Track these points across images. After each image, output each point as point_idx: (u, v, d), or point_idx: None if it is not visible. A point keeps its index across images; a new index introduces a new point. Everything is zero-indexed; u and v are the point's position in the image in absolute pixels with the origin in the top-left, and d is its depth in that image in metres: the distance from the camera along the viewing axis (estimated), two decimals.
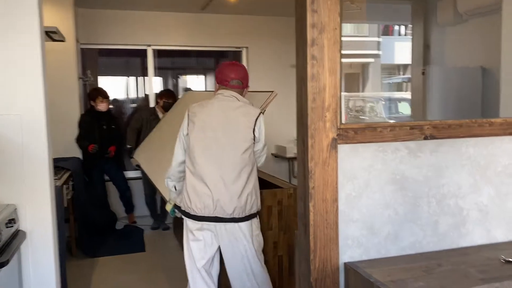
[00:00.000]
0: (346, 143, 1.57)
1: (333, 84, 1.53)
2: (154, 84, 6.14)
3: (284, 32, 6.08)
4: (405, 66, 21.86)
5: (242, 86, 2.54)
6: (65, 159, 4.78)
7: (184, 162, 2.48)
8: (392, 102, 14.63)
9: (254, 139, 2.44)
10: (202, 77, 7.98)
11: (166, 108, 5.24)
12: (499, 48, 3.72)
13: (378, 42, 18.93)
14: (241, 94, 2.53)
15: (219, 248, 2.52)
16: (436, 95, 4.01)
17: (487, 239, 1.78)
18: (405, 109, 14.96)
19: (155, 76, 6.17)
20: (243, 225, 2.44)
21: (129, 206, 5.48)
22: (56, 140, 2.53)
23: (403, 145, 1.65)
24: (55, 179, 3.31)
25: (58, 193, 3.08)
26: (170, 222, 5.42)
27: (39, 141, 2.10)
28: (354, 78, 18.12)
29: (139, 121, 5.27)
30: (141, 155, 4.79)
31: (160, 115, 5.31)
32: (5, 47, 2.09)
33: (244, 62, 6.38)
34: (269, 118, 6.33)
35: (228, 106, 2.45)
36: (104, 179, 5.22)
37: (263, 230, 3.10)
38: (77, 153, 5.24)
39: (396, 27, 22.62)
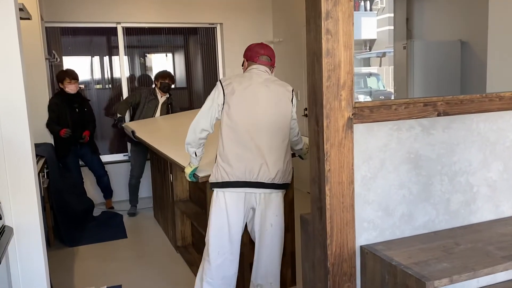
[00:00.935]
0: (362, 122, 1.50)
1: (348, 60, 1.45)
2: (125, 65, 5.88)
3: (261, 5, 5.92)
4: (371, 41, 22.05)
5: (270, 63, 2.63)
6: (37, 145, 4.52)
7: (206, 130, 2.51)
8: (360, 77, 14.76)
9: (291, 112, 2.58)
10: (170, 56, 7.72)
11: (164, 89, 5.07)
12: (479, 22, 3.73)
13: None
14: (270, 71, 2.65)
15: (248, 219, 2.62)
16: (418, 70, 4.01)
17: (495, 215, 1.77)
18: (373, 84, 15.15)
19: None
20: (279, 195, 2.58)
21: (107, 192, 5.30)
22: None
23: (417, 123, 1.59)
24: None
25: None
26: (146, 208, 5.29)
27: (20, 128, 1.93)
28: None
29: (136, 96, 5.11)
30: (135, 126, 4.64)
31: (159, 96, 5.13)
32: None
33: (218, 40, 6.20)
34: None
35: (266, 77, 2.55)
36: (79, 164, 5.00)
37: None
38: (49, 138, 4.99)
39: (362, 3, 22.68)
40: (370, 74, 15.44)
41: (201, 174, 2.75)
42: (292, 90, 2.63)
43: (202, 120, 2.50)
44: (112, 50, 6.01)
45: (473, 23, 4.02)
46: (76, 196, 4.65)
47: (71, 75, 4.81)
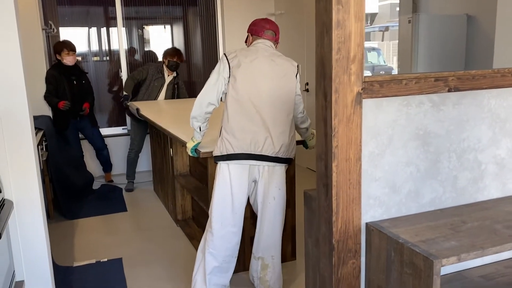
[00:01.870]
0: (371, 97, 1.46)
1: (358, 31, 1.39)
2: (123, 36, 5.76)
3: None
4: (373, 15, 21.70)
5: (275, 38, 2.61)
6: (35, 117, 4.48)
7: (213, 104, 2.50)
8: None
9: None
10: (168, 27, 7.57)
11: (171, 68, 4.96)
12: None
13: None
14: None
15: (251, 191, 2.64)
16: (423, 44, 3.93)
17: (502, 193, 1.75)
18: (374, 59, 14.98)
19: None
20: (282, 169, 2.58)
21: (107, 165, 5.28)
22: None
23: (427, 98, 1.55)
24: None
25: None
26: (146, 181, 5.28)
27: (18, 99, 1.88)
28: None
29: (143, 73, 4.98)
30: (140, 105, 4.60)
31: (166, 75, 5.03)
32: None
33: (218, 12, 6.07)
34: None
35: (271, 52, 2.53)
36: (79, 138, 4.96)
37: None
38: (47, 111, 4.93)
39: None
40: (371, 49, 15.25)
41: (202, 150, 2.73)
42: (298, 66, 2.60)
43: (208, 93, 2.48)
44: (109, 22, 5.88)
45: None
46: (76, 169, 4.63)
47: (69, 46, 4.71)
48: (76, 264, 3.30)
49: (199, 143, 2.70)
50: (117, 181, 5.36)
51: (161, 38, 6.79)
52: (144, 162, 5.75)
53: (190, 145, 2.71)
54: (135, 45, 6.09)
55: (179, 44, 6.32)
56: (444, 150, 1.61)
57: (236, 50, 2.54)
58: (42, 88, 4.77)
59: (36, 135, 3.68)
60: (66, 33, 5.68)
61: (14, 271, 1.90)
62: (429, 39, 4.01)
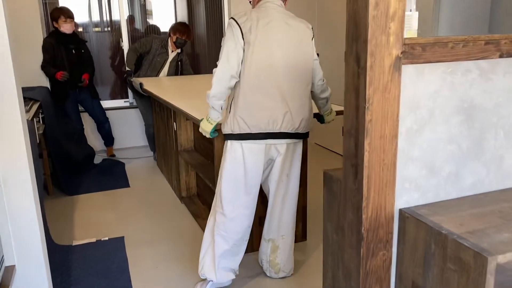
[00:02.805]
0: (411, 63, 1.24)
1: None
2: (124, 6, 5.47)
3: None
4: None
5: None
6: (31, 88, 4.27)
7: (235, 77, 2.20)
8: None
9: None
10: None
11: (179, 45, 4.68)
12: None
13: None
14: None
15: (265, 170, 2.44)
16: (445, 7, 3.66)
17: None
18: None
19: None
20: (299, 145, 2.43)
21: (109, 139, 5.09)
22: (19, 68, 2.08)
23: (475, 65, 1.32)
24: None
25: (30, 128, 2.66)
26: (149, 156, 5.10)
27: (2, 65, 1.66)
28: None
29: (146, 45, 4.69)
30: (144, 80, 4.38)
31: (170, 51, 4.75)
32: None
33: None
34: None
35: (283, 13, 2.26)
36: (79, 110, 4.75)
37: None
38: (44, 81, 4.70)
39: None
40: None
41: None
42: (312, 28, 2.34)
43: (229, 65, 2.17)
44: None
45: None
46: (76, 143, 4.44)
47: (67, 13, 4.45)
48: (75, 243, 3.14)
49: (217, 123, 2.38)
50: (119, 156, 5.18)
51: (163, 7, 6.46)
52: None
53: (207, 127, 2.37)
54: (137, 14, 5.80)
55: (182, 15, 6.01)
56: (490, 126, 1.40)
57: (245, 12, 2.25)
58: (38, 57, 4.54)
59: (31, 106, 3.48)
60: (65, 0, 5.40)
61: (2, 256, 1.73)
62: (452, 2, 3.74)
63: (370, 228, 1.31)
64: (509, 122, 1.42)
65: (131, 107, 5.51)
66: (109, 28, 5.58)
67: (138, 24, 5.63)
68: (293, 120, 2.25)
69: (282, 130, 2.25)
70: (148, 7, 7.25)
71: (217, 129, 2.41)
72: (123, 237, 3.21)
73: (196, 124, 2.75)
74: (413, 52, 1.23)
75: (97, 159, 4.92)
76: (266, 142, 2.27)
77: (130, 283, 2.63)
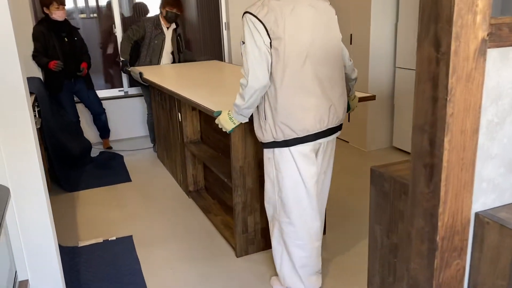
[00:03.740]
0: (497, 46, 1.07)
1: None
2: None
3: None
4: None
5: None
6: None
7: (267, 85, 1.96)
8: None
9: None
10: None
11: (170, 19, 4.42)
12: None
13: None
14: None
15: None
16: None
17: None
18: None
19: None
20: (335, 139, 2.27)
21: (105, 131, 4.87)
22: None
23: None
24: None
25: None
26: (148, 147, 4.89)
27: (10, 62, 1.45)
28: None
29: (139, 31, 4.44)
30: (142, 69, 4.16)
31: (165, 29, 4.48)
32: None
33: None
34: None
35: None
36: (74, 101, 4.51)
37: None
38: (36, 72, 4.44)
39: None
40: None
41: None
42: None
43: (258, 79, 1.92)
44: None
45: None
46: (72, 136, 4.21)
47: None
48: (81, 244, 2.96)
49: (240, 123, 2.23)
50: (116, 148, 4.97)
51: None
52: (146, 127, 5.34)
53: (228, 125, 2.20)
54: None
55: None
56: None
57: (261, 2, 1.94)
58: (28, 46, 4.27)
59: None
60: None
61: (16, 271, 1.54)
62: None
63: (445, 236, 1.15)
64: None
65: (125, 96, 5.28)
66: (96, 15, 5.29)
67: (125, 6, 5.31)
68: (337, 112, 2.08)
69: (329, 126, 2.08)
70: None
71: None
72: (131, 236, 3.04)
73: (207, 114, 2.57)
74: (500, 34, 1.06)
75: (94, 152, 4.70)
76: (315, 142, 2.08)
77: (146, 287, 2.46)
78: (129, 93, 5.33)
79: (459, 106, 1.05)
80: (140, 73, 3.96)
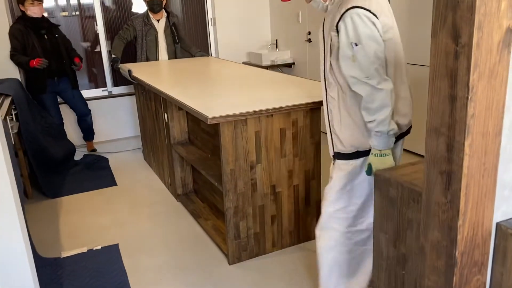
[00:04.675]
0: None
1: None
2: None
3: None
4: None
5: None
6: None
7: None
8: None
9: None
10: None
11: (155, 10, 4.27)
12: None
13: None
14: None
15: None
16: None
17: None
18: None
19: None
20: None
21: (89, 133, 4.68)
22: None
23: None
24: None
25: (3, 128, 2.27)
26: (134, 149, 4.72)
27: None
28: None
29: (129, 30, 4.32)
30: (132, 66, 3.99)
31: (155, 22, 4.32)
32: None
33: None
34: (235, 20, 5.47)
35: None
36: (57, 102, 4.32)
37: (276, 158, 2.54)
38: (13, 73, 4.24)
39: None
40: None
41: (212, 115, 2.20)
42: None
43: (387, 81, 1.68)
44: None
45: None
46: (54, 139, 4.02)
47: None
48: (64, 254, 2.79)
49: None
50: (101, 150, 4.79)
51: None
52: (131, 128, 5.17)
53: (389, 161, 1.74)
54: None
55: None
56: None
57: None
58: (3, 46, 4.07)
59: (2, 102, 3.07)
60: None
61: None
62: None
63: (465, 250, 1.03)
64: None
65: (109, 96, 5.10)
66: (78, 12, 5.09)
67: (108, 2, 5.11)
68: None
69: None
70: None
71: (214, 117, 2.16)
72: (117, 244, 2.88)
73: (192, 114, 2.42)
74: None
75: (78, 155, 4.52)
76: (399, 142, 1.89)
77: None
78: (113, 92, 5.15)
79: (481, 106, 0.93)
80: (129, 71, 3.79)
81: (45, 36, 4.08)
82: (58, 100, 4.35)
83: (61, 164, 4.05)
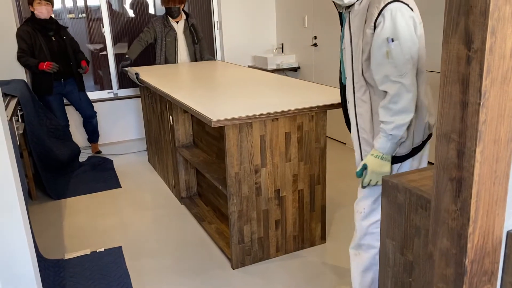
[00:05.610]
0: None
1: None
2: None
3: None
4: None
5: None
6: (5, 82, 3.83)
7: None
8: None
9: None
10: None
11: (173, 14, 4.32)
12: None
13: None
14: None
15: None
16: None
17: None
18: None
19: None
20: None
21: (94, 135, 4.69)
22: None
23: None
24: None
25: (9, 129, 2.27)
26: (139, 151, 4.72)
27: None
28: None
29: (150, 33, 4.36)
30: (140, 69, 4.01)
31: (174, 24, 4.37)
32: None
33: None
34: (241, 24, 5.47)
35: None
36: (64, 104, 4.33)
37: (281, 162, 2.52)
38: (20, 74, 4.25)
39: None
40: None
41: (216, 118, 2.17)
42: None
43: (413, 72, 1.61)
44: None
45: None
46: (59, 141, 4.03)
47: None
48: (67, 256, 2.78)
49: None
50: (105, 152, 4.79)
51: None
52: (136, 130, 5.17)
53: (387, 167, 1.70)
54: None
55: None
56: None
57: None
58: (11, 47, 4.08)
59: (8, 103, 3.07)
60: None
61: None
62: None
63: (475, 259, 1.01)
64: None
65: (115, 98, 5.11)
66: (84, 15, 5.11)
67: (115, 4, 5.14)
68: None
69: None
70: None
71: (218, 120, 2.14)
72: (120, 247, 2.87)
73: (197, 117, 2.42)
74: None
75: (82, 157, 4.53)
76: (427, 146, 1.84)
77: None
78: (119, 95, 5.16)
79: (493, 112, 0.92)
80: (137, 74, 3.80)
81: (53, 38, 4.09)
82: (64, 101, 4.36)
83: (66, 165, 4.06)
